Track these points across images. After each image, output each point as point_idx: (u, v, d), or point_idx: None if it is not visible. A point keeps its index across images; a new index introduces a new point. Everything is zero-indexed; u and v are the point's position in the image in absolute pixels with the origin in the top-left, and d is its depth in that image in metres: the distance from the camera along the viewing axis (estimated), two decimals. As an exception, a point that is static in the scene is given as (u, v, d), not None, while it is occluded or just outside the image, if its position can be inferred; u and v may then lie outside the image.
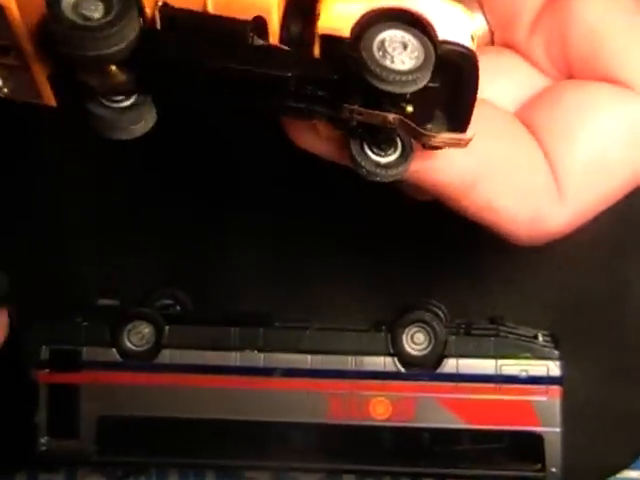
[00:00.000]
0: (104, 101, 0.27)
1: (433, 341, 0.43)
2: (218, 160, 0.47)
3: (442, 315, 0.45)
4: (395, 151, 0.28)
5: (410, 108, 0.26)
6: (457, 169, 0.31)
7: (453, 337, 0.43)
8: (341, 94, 0.26)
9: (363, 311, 0.46)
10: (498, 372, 0.42)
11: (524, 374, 0.42)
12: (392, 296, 0.47)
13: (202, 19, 0.26)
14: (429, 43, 0.26)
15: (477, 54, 0.27)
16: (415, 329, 0.43)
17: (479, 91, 0.28)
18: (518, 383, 0.42)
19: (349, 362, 0.43)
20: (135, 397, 0.43)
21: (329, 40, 0.26)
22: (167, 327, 0.43)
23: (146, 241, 0.48)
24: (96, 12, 0.24)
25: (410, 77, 0.25)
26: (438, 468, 0.44)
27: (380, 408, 0.43)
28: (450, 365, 0.43)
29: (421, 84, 0.25)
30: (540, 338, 0.44)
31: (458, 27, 0.26)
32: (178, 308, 0.47)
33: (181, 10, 0.26)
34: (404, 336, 0.43)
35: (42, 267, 0.48)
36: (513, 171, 0.32)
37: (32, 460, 0.44)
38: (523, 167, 0.32)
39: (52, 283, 0.47)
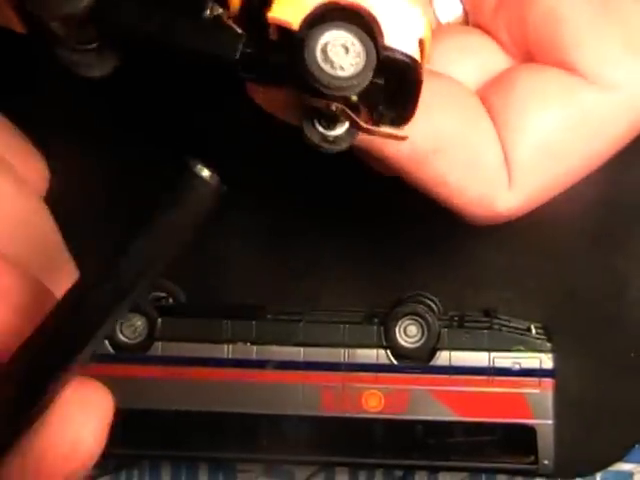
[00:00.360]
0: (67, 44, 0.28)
1: (426, 334, 0.43)
2: (208, 153, 0.47)
3: (435, 308, 0.45)
4: (342, 127, 0.28)
5: (354, 98, 0.27)
6: (407, 142, 0.30)
7: (446, 330, 0.43)
8: (287, 78, 0.27)
9: (356, 304, 0.46)
10: (491, 364, 0.42)
11: (517, 367, 0.42)
12: (385, 289, 0.47)
13: None
14: (372, 47, 0.26)
15: (421, 62, 0.27)
16: (408, 322, 0.43)
17: (444, 69, 0.29)
18: (511, 375, 0.42)
19: (342, 355, 0.43)
20: (127, 389, 0.43)
21: (279, 28, 0.26)
22: (159, 319, 0.43)
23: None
24: None
25: (348, 83, 0.25)
26: (431, 460, 0.44)
27: (373, 401, 0.43)
28: (443, 358, 0.43)
29: (359, 89, 0.26)
30: (533, 331, 0.44)
31: (406, 30, 0.26)
32: (170, 300, 0.47)
33: None
34: (397, 329, 0.43)
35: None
36: (466, 147, 0.32)
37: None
38: (476, 145, 0.32)
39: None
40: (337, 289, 0.48)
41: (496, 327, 0.43)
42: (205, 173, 0.22)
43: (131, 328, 0.43)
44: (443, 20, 0.34)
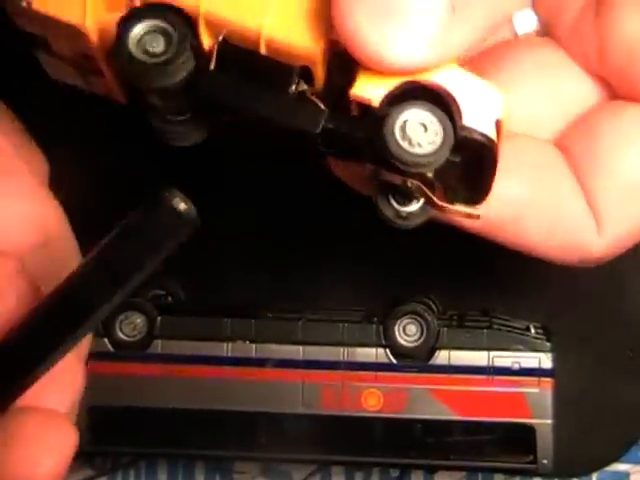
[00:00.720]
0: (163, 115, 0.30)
1: (425, 333, 0.43)
2: (208, 156, 0.47)
3: (434, 307, 0.45)
4: (416, 203, 0.29)
5: (430, 174, 0.27)
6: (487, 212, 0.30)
7: (445, 329, 0.43)
8: (366, 153, 0.28)
9: (355, 303, 0.46)
10: (490, 364, 0.43)
11: (516, 366, 0.43)
12: (384, 288, 0.47)
13: (254, 58, 0.27)
14: (450, 126, 0.26)
15: (497, 143, 0.27)
16: (407, 321, 0.43)
17: (519, 84, 0.30)
18: (510, 375, 0.43)
19: (341, 353, 0.43)
20: (127, 387, 0.43)
21: (360, 104, 0.27)
22: (159, 317, 0.43)
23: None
24: (158, 47, 0.27)
25: (425, 160, 0.26)
26: (430, 460, 0.44)
27: (372, 399, 0.43)
28: (442, 357, 0.43)
29: (435, 166, 0.26)
30: (532, 330, 0.44)
31: (484, 111, 0.27)
32: (170, 299, 0.47)
33: (237, 47, 0.27)
34: (396, 328, 0.43)
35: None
36: (547, 208, 0.31)
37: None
38: (558, 201, 0.31)
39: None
40: (337, 288, 0.48)
41: (495, 327, 0.43)
42: (181, 206, 0.23)
43: (130, 326, 0.43)
44: (520, 32, 0.34)
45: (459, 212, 0.29)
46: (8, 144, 0.31)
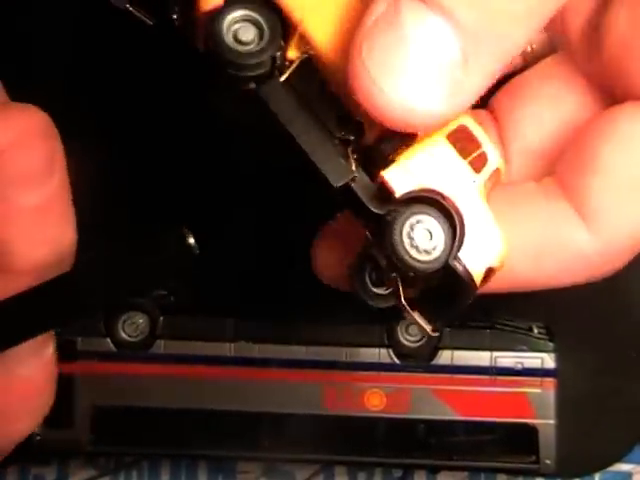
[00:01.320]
0: None
1: (428, 333, 0.43)
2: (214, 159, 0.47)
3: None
4: (386, 290, 0.30)
5: (412, 274, 0.28)
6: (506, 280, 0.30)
7: (448, 329, 0.43)
8: (369, 226, 0.28)
9: (358, 303, 0.46)
10: (493, 364, 0.43)
11: (519, 366, 0.43)
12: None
13: (324, 91, 0.28)
14: (450, 245, 0.27)
15: (477, 288, 0.28)
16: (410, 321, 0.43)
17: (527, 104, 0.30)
18: (513, 375, 0.43)
19: (344, 353, 0.43)
20: (130, 387, 0.43)
21: (384, 186, 0.27)
22: (162, 318, 0.43)
23: (138, 231, 0.48)
24: (247, 37, 0.27)
25: (421, 266, 0.27)
26: (432, 460, 0.44)
27: (375, 399, 0.43)
28: (445, 357, 0.43)
29: (426, 273, 0.27)
30: (535, 330, 0.44)
31: (482, 251, 0.27)
32: (172, 299, 0.47)
33: (315, 72, 0.27)
34: (399, 328, 0.43)
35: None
36: (546, 251, 0.31)
37: (27, 450, 0.43)
38: (556, 241, 0.31)
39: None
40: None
41: (498, 327, 0.43)
42: (189, 240, 0.27)
43: (133, 326, 0.43)
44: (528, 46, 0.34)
45: (414, 319, 0.29)
46: None
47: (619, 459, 0.47)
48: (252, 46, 0.27)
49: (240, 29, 0.27)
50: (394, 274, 0.28)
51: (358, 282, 0.30)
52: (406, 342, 0.43)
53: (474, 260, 0.27)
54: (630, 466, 0.49)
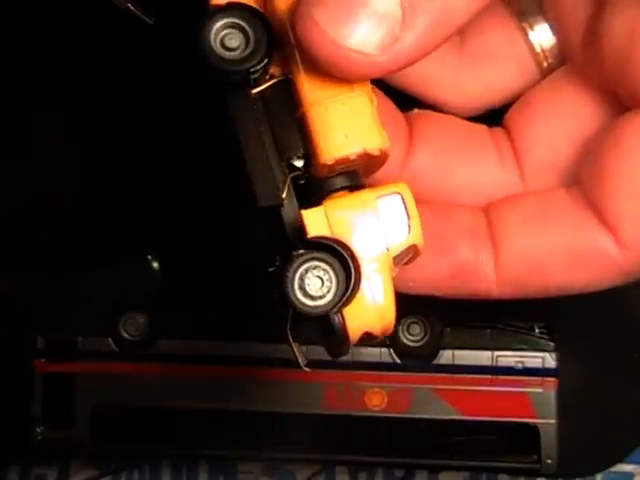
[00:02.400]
0: None
1: (429, 332, 0.43)
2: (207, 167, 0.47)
3: (438, 307, 0.45)
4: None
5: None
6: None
7: (449, 328, 0.43)
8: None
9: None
10: (494, 364, 0.43)
11: (520, 366, 0.43)
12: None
13: (291, 111, 0.28)
14: (342, 292, 0.27)
15: (350, 345, 0.28)
16: (411, 320, 0.43)
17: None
18: (514, 375, 0.43)
19: (345, 353, 0.43)
20: (131, 387, 0.43)
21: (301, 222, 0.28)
22: (162, 317, 0.43)
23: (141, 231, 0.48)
24: (234, 43, 0.27)
25: (302, 308, 0.27)
26: (433, 459, 0.44)
27: (376, 399, 0.43)
28: (446, 356, 0.43)
29: (306, 315, 0.27)
30: (536, 330, 0.44)
31: (366, 315, 0.27)
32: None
33: (287, 95, 0.28)
34: (400, 327, 0.43)
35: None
36: (578, 257, 0.31)
37: (28, 450, 0.44)
38: (586, 248, 0.31)
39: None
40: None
41: (499, 326, 0.43)
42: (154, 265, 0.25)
43: (134, 325, 0.43)
44: (538, 48, 0.34)
45: (291, 349, 0.29)
46: None
47: (621, 460, 0.47)
48: (236, 53, 0.27)
49: (228, 35, 0.27)
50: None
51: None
52: (407, 342, 0.43)
53: (355, 321, 0.27)
54: (632, 467, 0.49)
